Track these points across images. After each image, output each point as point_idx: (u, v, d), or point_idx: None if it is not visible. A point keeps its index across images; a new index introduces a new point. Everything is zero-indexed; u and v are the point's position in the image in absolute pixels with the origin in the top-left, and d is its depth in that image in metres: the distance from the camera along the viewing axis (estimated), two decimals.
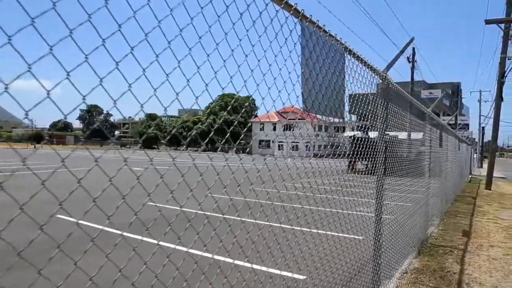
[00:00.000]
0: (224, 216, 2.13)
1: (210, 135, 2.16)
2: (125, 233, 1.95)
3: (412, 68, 25.58)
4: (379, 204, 3.56)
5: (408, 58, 25.76)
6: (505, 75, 17.35)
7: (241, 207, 2.22)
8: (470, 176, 23.80)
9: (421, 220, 6.61)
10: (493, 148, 19.66)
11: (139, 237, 2.28)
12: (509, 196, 15.03)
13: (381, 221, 3.66)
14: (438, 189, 8.81)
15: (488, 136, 36.10)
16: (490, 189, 16.90)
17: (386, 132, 3.52)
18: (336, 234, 3.31)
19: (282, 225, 2.61)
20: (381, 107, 3.46)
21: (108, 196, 1.33)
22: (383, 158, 3.49)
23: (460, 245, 6.50)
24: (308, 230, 3.04)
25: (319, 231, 3.18)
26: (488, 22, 17.91)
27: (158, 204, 2.24)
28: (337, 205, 3.36)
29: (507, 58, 17.27)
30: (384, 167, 3.49)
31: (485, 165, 22.27)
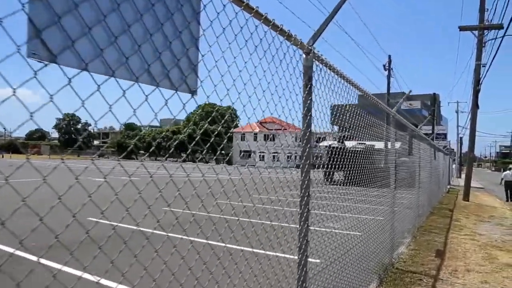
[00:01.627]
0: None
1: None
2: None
3: (389, 76, 25.11)
4: (304, 216, 2.51)
5: (384, 66, 25.30)
6: (480, 82, 16.96)
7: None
8: (448, 187, 23.27)
9: (386, 239, 5.61)
10: (470, 158, 19.15)
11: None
12: (486, 207, 14.40)
13: (307, 244, 2.60)
14: (410, 202, 7.89)
15: (466, 147, 36.05)
16: (468, 200, 16.25)
17: (310, 129, 2.49)
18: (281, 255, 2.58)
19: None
20: (304, 92, 2.42)
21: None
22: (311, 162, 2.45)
23: (432, 269, 5.51)
24: (261, 251, 2.35)
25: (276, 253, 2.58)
26: (462, 28, 17.60)
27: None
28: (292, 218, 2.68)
29: (481, 65, 16.90)
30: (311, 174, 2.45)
31: (464, 175, 21.84)
